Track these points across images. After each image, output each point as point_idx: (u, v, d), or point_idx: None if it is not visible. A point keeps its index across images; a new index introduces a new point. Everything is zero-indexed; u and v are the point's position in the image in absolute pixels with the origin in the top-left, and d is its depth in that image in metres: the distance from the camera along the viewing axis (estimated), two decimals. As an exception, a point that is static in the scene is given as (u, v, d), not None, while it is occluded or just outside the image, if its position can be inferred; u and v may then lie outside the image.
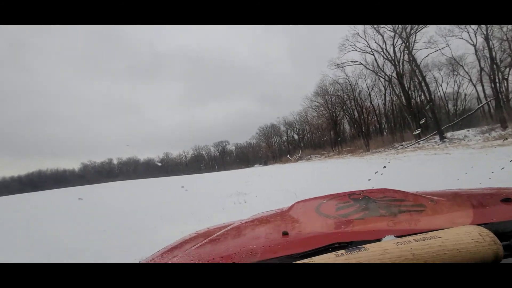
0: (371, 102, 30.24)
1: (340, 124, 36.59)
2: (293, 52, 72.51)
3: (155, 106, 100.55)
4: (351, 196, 1.09)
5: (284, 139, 54.08)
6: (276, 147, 56.94)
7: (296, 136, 50.34)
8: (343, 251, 0.38)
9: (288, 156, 44.36)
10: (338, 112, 35.93)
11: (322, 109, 37.42)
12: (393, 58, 22.33)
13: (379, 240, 0.48)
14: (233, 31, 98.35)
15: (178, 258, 0.68)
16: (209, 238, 0.78)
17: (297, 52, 70.35)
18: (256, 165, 55.34)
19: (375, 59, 23.74)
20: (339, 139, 35.11)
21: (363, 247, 0.38)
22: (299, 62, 68.75)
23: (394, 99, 26.65)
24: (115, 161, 77.48)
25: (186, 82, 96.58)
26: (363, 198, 1.02)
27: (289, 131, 51.41)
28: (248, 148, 66.78)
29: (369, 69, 25.40)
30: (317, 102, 37.78)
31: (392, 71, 23.52)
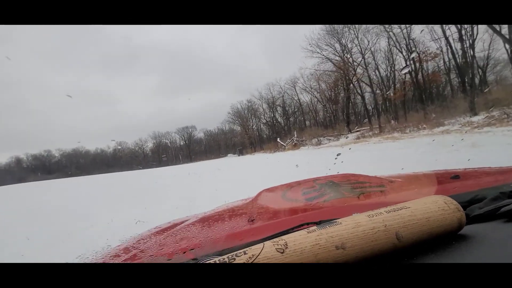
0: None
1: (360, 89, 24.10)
2: (267, 49, 74.65)
3: (128, 97, 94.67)
4: (316, 181, 1.12)
5: (269, 115, 39.04)
6: (255, 130, 43.78)
7: (281, 117, 37.12)
8: (314, 227, 0.37)
9: (278, 140, 29.38)
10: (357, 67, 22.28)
11: (332, 63, 23.75)
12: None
13: None
14: (209, 28, 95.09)
15: (139, 252, 0.64)
16: (170, 231, 0.76)
17: (271, 49, 72.40)
18: (229, 154, 44.38)
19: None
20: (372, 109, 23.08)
21: (335, 221, 0.38)
22: (273, 58, 70.32)
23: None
24: (56, 154, 61.30)
25: (161, 75, 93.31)
26: (328, 182, 1.06)
27: (276, 104, 37.52)
28: (219, 135, 55.57)
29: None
30: (328, 47, 22.83)
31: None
